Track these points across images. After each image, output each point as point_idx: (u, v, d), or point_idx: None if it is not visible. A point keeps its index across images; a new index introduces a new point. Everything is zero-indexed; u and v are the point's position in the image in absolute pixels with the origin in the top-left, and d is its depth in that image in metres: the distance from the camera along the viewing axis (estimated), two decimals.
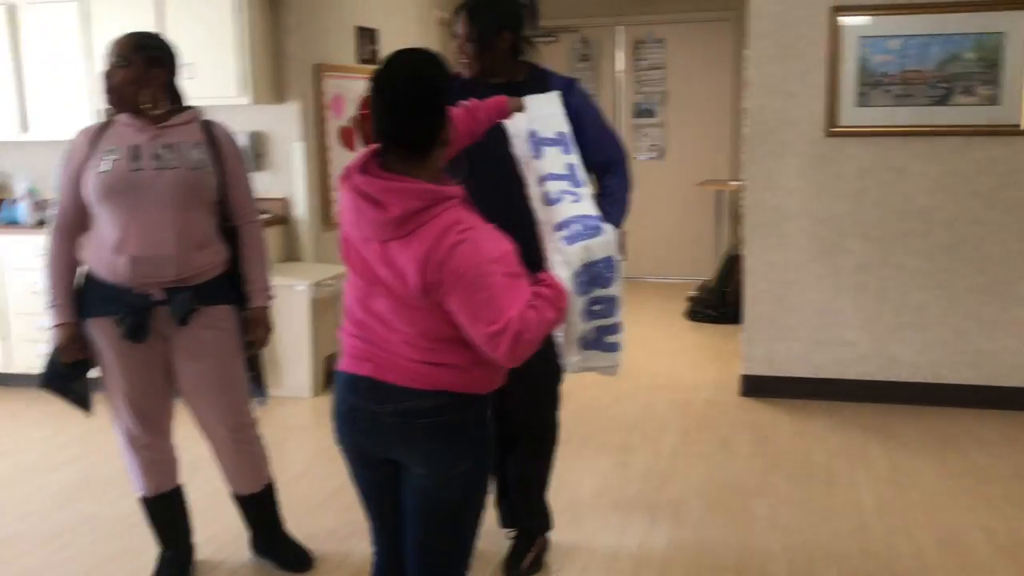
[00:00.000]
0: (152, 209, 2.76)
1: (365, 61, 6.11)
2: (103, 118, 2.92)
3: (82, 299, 2.86)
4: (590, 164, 2.56)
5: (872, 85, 4.59)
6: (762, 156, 4.80)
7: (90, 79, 5.19)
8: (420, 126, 1.93)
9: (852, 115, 4.64)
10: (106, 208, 2.77)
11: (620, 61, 8.26)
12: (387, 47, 6.23)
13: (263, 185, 5.16)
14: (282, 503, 3.28)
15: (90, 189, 2.77)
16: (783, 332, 4.91)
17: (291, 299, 5.00)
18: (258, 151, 5.42)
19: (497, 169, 2.56)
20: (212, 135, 2.90)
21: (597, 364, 2.29)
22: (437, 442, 2.04)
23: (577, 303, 2.12)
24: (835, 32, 4.59)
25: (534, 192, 2.33)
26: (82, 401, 3.02)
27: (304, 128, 5.42)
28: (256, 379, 3.12)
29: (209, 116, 2.98)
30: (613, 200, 2.79)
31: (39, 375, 2.95)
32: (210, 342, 2.91)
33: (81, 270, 2.88)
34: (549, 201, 2.23)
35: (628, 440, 4.39)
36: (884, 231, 4.71)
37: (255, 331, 3.02)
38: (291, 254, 5.53)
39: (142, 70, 2.79)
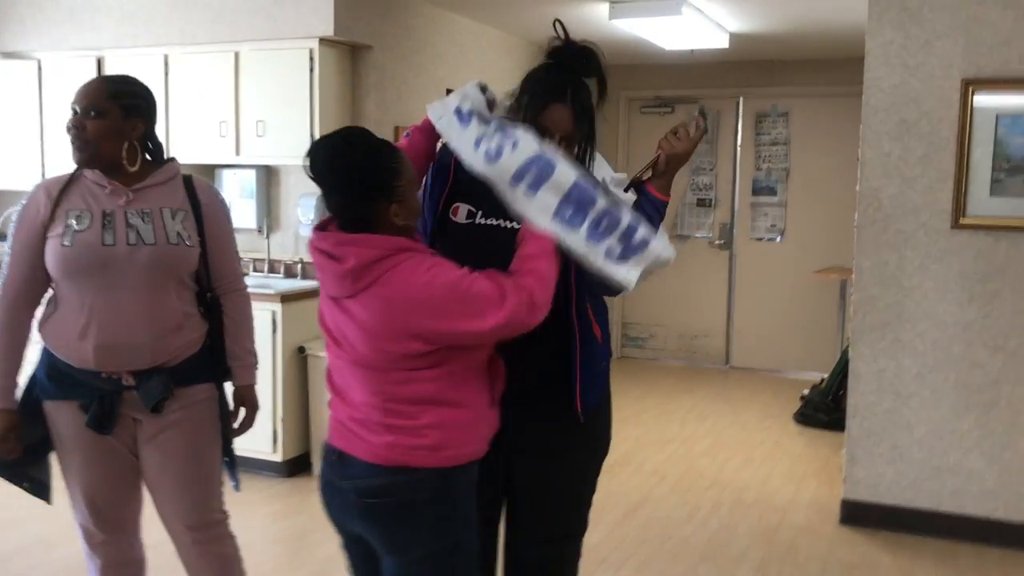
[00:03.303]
0: (123, 291, 2.42)
1: None
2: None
3: (39, 378, 2.54)
4: None
5: (1009, 171, 3.91)
6: (875, 247, 4.16)
7: (167, 132, 5.09)
8: (357, 210, 1.97)
9: (984, 205, 3.96)
10: (69, 286, 2.44)
11: (740, 134, 7.70)
12: None
13: None
14: None
15: (51, 262, 2.44)
16: (893, 453, 4.19)
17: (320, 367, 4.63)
18: None
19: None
20: (195, 198, 2.54)
21: (647, 267, 2.03)
22: (394, 524, 1.98)
23: (579, 237, 2.01)
24: (967, 109, 3.95)
25: (475, 160, 2.08)
26: (41, 489, 2.68)
27: None
28: (230, 464, 2.72)
29: (194, 174, 2.63)
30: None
31: None
32: (182, 425, 2.53)
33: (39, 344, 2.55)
34: (490, 158, 2.05)
35: (694, 573, 3.77)
36: (1020, 343, 3.97)
37: (239, 412, 2.64)
38: None
39: (119, 121, 2.45)
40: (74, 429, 2.50)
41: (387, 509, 1.98)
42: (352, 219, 1.97)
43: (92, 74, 5.25)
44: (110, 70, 5.26)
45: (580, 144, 2.22)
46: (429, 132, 2.23)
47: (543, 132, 2.13)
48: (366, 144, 1.97)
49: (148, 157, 2.55)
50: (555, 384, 2.27)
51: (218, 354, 2.61)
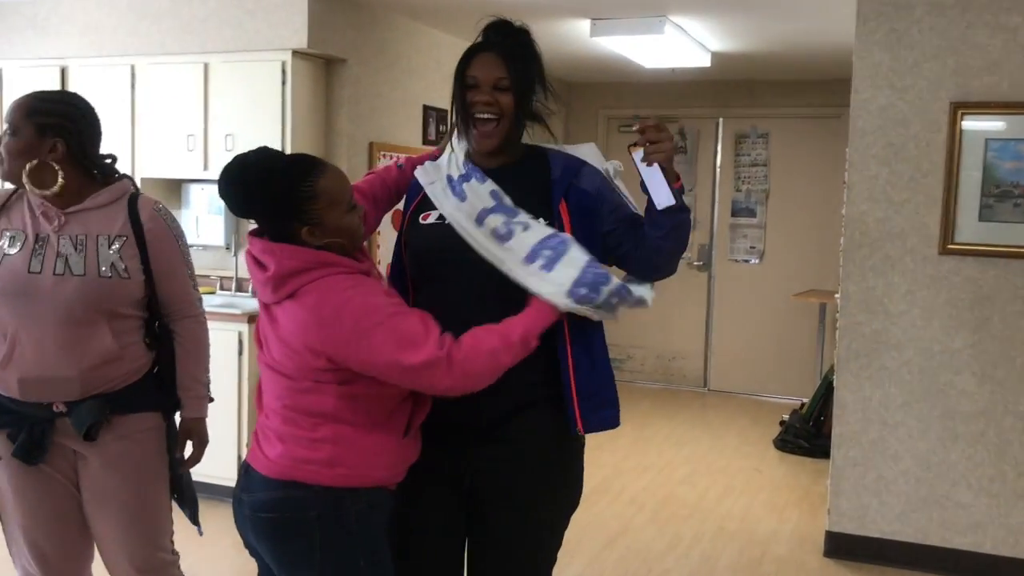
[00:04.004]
0: (47, 322, 2.24)
1: (431, 142, 5.67)
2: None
3: None
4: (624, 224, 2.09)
5: (999, 197, 3.82)
6: (861, 272, 4.06)
7: (133, 144, 4.93)
8: (271, 230, 1.95)
9: (973, 231, 3.87)
10: None
11: (719, 155, 7.62)
12: None
13: None
14: None
15: None
16: (878, 484, 4.08)
17: None
18: None
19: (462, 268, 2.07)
20: (138, 223, 2.33)
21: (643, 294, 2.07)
22: (284, 543, 1.91)
23: (595, 307, 2.01)
24: (956, 132, 3.86)
25: (480, 238, 2.03)
26: None
27: None
28: (188, 503, 2.54)
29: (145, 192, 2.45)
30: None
31: None
32: (122, 457, 2.35)
33: None
34: (500, 237, 2.01)
35: None
36: (1009, 371, 3.88)
37: (185, 446, 2.44)
38: None
39: (31, 141, 2.26)
40: (5, 460, 2.33)
41: (277, 526, 1.91)
42: (271, 235, 1.95)
43: (55, 85, 5.08)
44: (74, 80, 5.09)
45: (519, 94, 2.06)
46: (388, 182, 2.24)
47: (472, 84, 2.04)
48: (263, 166, 1.91)
49: (94, 175, 2.35)
50: (527, 414, 2.07)
51: (168, 383, 2.43)
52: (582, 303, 1.97)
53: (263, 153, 1.95)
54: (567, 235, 2.00)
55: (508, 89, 2.04)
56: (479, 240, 2.01)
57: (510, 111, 2.05)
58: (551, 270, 1.96)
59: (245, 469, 1.99)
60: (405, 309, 1.90)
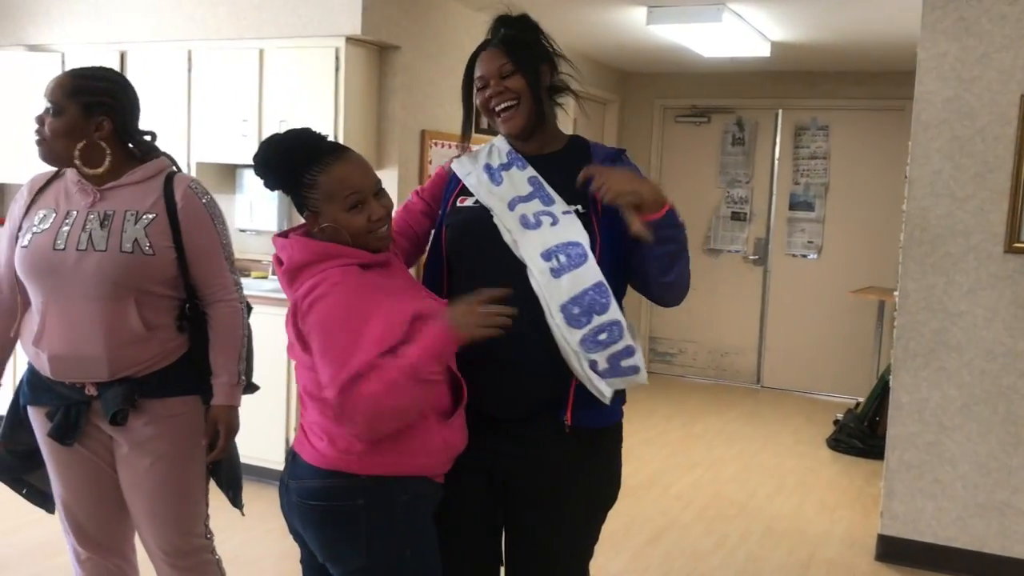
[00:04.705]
0: (75, 299, 2.24)
1: (483, 131, 5.63)
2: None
3: (23, 381, 2.39)
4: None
5: None
6: (921, 269, 3.94)
7: (189, 129, 4.98)
8: (293, 201, 2.00)
9: None
10: (30, 289, 2.30)
11: (778, 147, 7.47)
12: None
13: None
14: None
15: (15, 260, 2.30)
16: (934, 488, 3.96)
17: None
18: None
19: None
20: (172, 200, 2.31)
21: (622, 387, 2.03)
22: (330, 530, 1.92)
23: (576, 336, 1.96)
24: None
25: (508, 222, 2.04)
26: (38, 497, 2.55)
27: (403, 196, 4.95)
28: (230, 485, 2.54)
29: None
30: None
31: None
32: (151, 441, 2.34)
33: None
34: (528, 225, 2.02)
35: None
36: None
37: (211, 433, 2.41)
38: None
39: (77, 120, 2.25)
40: (43, 437, 2.37)
41: (324, 513, 1.92)
42: (297, 208, 2.02)
43: (116, 68, 5.15)
44: (133, 64, 5.15)
45: (527, 72, 2.06)
46: (433, 199, 2.24)
47: (482, 85, 2.08)
48: (287, 148, 1.96)
49: (134, 152, 2.35)
50: (555, 410, 2.03)
51: (203, 367, 2.41)
52: (571, 324, 1.94)
53: (295, 133, 1.99)
54: (588, 251, 1.98)
55: (514, 72, 2.07)
56: (506, 223, 2.03)
57: (524, 91, 2.07)
58: (558, 277, 1.96)
59: (292, 456, 2.00)
60: (367, 321, 1.83)
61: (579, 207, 2.03)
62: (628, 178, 1.93)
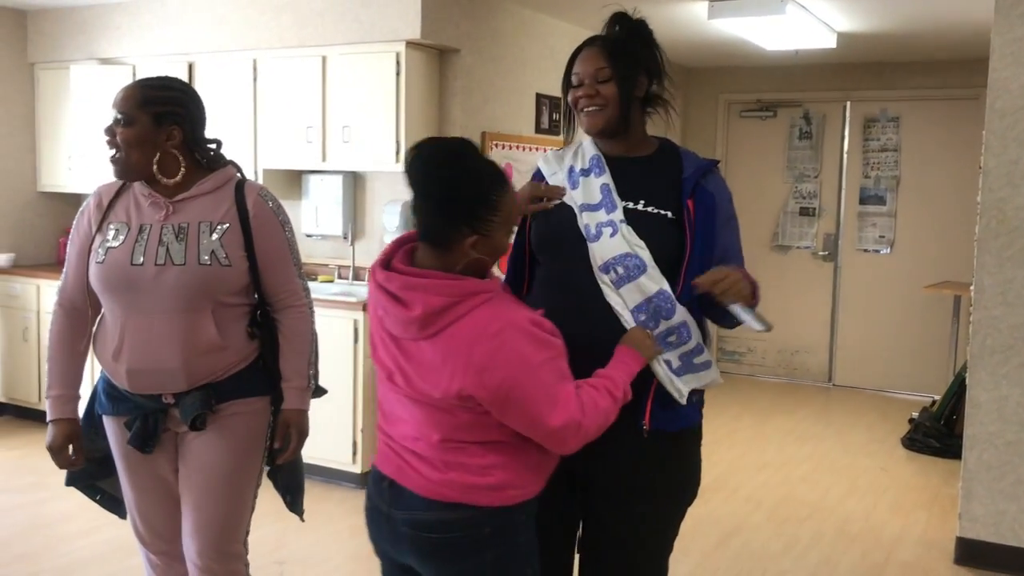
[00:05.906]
0: (153, 313, 2.26)
1: (544, 131, 5.62)
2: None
3: (97, 390, 2.44)
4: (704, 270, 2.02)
5: None
6: (998, 263, 3.81)
7: (255, 136, 5.09)
8: (437, 227, 1.85)
9: None
10: (106, 303, 2.33)
11: (847, 140, 7.31)
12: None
13: None
14: None
15: (89, 276, 2.33)
16: (1016, 489, 3.83)
17: None
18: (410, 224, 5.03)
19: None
20: (244, 209, 2.33)
21: (697, 385, 2.11)
22: (448, 560, 1.89)
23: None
24: None
25: (580, 228, 2.12)
26: (112, 503, 2.60)
27: None
28: (290, 490, 2.56)
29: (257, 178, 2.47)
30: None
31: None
32: (210, 435, 2.35)
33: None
34: (589, 237, 2.08)
35: None
36: None
37: (282, 437, 2.42)
38: None
39: (149, 130, 2.27)
40: (120, 445, 2.41)
41: (447, 545, 1.89)
42: (430, 233, 1.86)
43: (184, 79, 5.27)
44: (201, 74, 5.27)
45: (622, 80, 2.07)
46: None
47: (577, 83, 2.10)
48: (472, 164, 1.84)
49: (200, 161, 2.37)
50: (634, 413, 2.04)
51: (273, 371, 2.43)
52: (646, 325, 2.04)
53: (472, 148, 1.88)
54: (646, 261, 2.03)
55: (609, 79, 2.08)
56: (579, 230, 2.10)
57: (614, 99, 2.09)
58: (619, 288, 2.04)
59: (389, 484, 1.93)
60: (553, 354, 1.83)
61: (669, 212, 2.06)
62: (744, 282, 1.99)
